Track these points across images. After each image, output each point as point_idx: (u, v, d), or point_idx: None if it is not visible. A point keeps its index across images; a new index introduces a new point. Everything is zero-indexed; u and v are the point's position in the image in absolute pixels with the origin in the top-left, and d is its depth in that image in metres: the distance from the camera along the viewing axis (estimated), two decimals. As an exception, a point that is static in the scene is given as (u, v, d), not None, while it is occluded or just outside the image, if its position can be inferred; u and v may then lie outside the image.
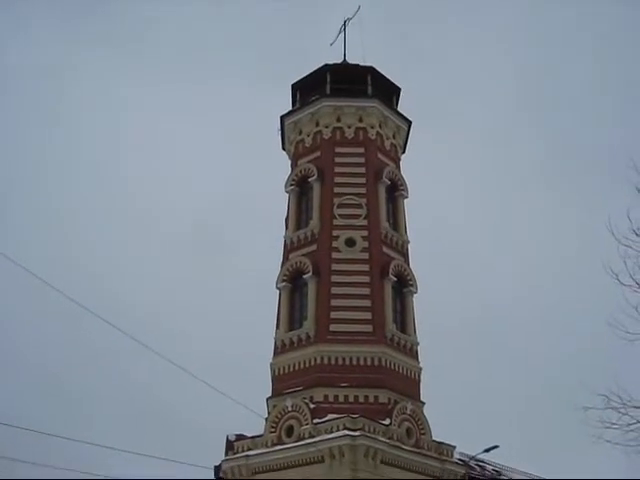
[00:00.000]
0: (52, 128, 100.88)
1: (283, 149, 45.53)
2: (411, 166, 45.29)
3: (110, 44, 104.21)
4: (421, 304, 40.80)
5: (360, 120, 42.39)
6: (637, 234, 15.86)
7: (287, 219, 41.78)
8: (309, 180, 41.23)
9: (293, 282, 39.37)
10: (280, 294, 39.66)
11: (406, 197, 42.64)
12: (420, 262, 42.02)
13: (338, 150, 41.65)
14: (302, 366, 36.82)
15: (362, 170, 41.06)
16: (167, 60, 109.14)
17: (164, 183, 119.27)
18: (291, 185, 42.03)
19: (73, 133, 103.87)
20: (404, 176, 43.13)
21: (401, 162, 44.43)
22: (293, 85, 45.12)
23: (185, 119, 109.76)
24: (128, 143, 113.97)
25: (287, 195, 42.51)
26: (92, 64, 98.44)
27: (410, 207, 43.05)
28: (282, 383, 37.19)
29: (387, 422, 34.49)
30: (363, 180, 40.75)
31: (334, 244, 38.81)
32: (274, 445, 35.34)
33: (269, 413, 36.59)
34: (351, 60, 45.02)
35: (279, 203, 43.12)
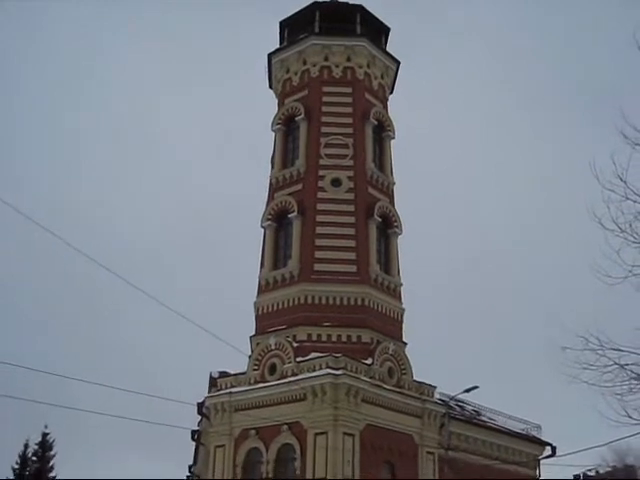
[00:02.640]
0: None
1: (270, 87, 45.08)
2: (399, 106, 45.13)
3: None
4: (406, 245, 41.02)
5: (348, 59, 41.99)
6: (621, 179, 15.85)
7: (273, 158, 41.59)
8: (296, 119, 40.95)
9: (278, 221, 39.34)
10: (265, 233, 39.66)
11: (393, 138, 42.46)
12: (406, 203, 42.11)
13: (325, 89, 41.32)
14: (286, 305, 37.02)
15: (349, 110, 40.78)
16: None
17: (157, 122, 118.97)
18: (277, 124, 41.72)
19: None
20: (391, 117, 42.90)
21: (389, 102, 44.15)
22: (281, 22, 44.49)
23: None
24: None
25: (273, 134, 42.22)
26: None
27: (397, 148, 43.00)
28: (266, 321, 37.42)
29: (369, 361, 34.85)
30: (350, 120, 40.51)
31: (320, 184, 38.73)
32: (257, 383, 35.67)
33: (252, 351, 36.85)
34: (341, -2, 44.46)
35: (266, 142, 42.97)
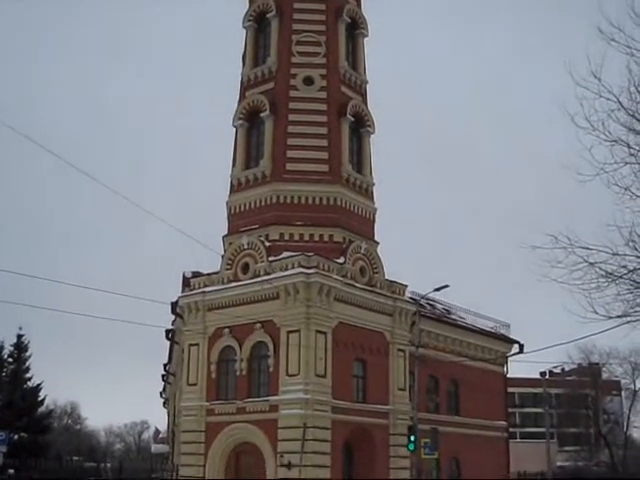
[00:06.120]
0: None
1: (240, -16, 43.79)
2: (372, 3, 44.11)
3: None
4: (378, 144, 40.81)
5: (320, -46, 40.70)
6: (595, 76, 15.64)
7: (244, 55, 40.72)
8: (267, 16, 39.84)
9: (250, 120, 38.79)
10: (237, 132, 39.20)
11: (366, 36, 41.61)
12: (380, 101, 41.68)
13: (298, -15, 40.19)
14: (258, 204, 36.92)
15: (322, 7, 39.71)
16: None
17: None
18: (249, 21, 40.64)
19: None
20: (365, 14, 41.95)
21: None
22: None
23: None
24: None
25: (245, 31, 41.27)
26: None
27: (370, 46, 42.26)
28: (238, 221, 37.39)
29: (341, 260, 35.10)
30: (323, 17, 39.54)
31: (292, 82, 38.08)
32: (230, 282, 35.92)
33: (225, 251, 36.93)
34: None
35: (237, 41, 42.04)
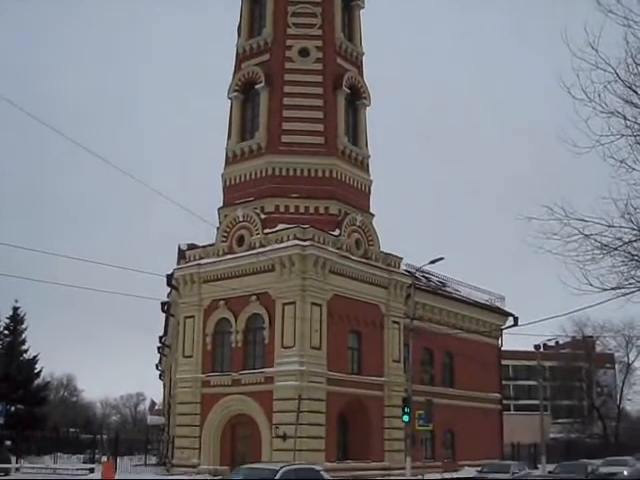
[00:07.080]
0: None
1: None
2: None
3: None
4: (374, 117, 40.67)
5: None
6: (592, 47, 15.52)
7: (239, 27, 40.41)
8: (263, -14, 39.61)
9: (245, 92, 38.61)
10: (232, 104, 38.99)
11: (362, 7, 41.36)
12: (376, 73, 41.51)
13: (292, -44, 39.81)
14: (253, 176, 36.83)
15: (317, -23, 39.48)
16: None
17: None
18: (243, -8, 40.40)
19: None
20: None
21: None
22: None
23: None
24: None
25: (240, 1, 40.95)
26: None
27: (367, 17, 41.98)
28: (233, 193, 37.30)
29: (337, 233, 35.09)
30: (318, -12, 39.30)
31: (287, 54, 37.83)
32: (225, 254, 35.90)
33: (220, 223, 36.87)
34: None
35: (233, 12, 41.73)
